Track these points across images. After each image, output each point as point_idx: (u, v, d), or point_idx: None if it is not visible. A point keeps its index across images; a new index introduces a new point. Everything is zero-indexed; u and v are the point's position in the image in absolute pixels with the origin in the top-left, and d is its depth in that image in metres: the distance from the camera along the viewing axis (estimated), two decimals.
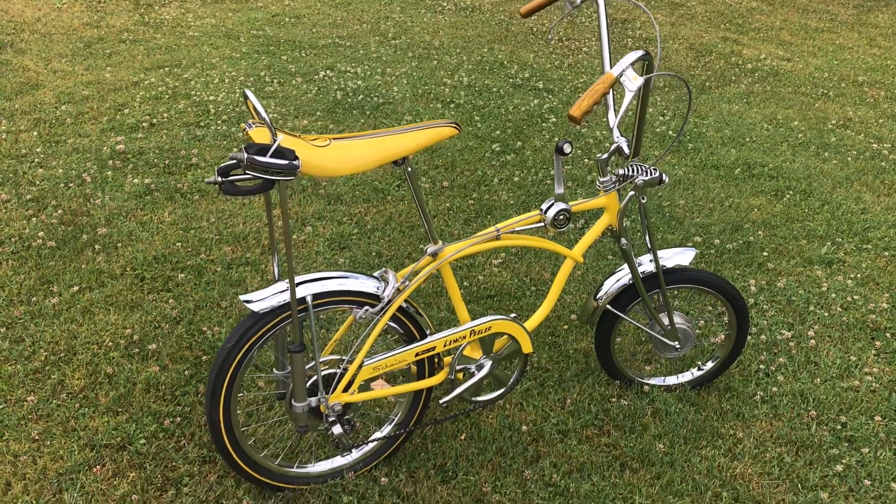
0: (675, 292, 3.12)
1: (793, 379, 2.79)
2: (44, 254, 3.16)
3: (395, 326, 2.15)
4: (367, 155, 1.87)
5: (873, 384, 2.78)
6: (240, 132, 4.34)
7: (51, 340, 2.71)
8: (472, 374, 2.30)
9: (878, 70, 6.43)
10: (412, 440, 2.40)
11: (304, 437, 2.36)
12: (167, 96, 4.76)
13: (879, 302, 3.24)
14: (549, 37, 6.24)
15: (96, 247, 3.22)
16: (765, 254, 3.54)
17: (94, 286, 3.00)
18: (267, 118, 1.70)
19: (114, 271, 3.09)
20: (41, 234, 3.27)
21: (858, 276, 3.42)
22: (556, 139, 4.58)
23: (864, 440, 2.54)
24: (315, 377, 2.05)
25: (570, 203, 2.20)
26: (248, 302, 1.94)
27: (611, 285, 2.45)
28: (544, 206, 2.19)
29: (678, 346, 2.57)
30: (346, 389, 2.09)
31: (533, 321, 2.36)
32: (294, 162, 1.70)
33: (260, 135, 1.76)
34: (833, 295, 3.27)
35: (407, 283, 2.08)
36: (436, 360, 2.24)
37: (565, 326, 2.97)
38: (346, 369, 2.08)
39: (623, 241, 2.33)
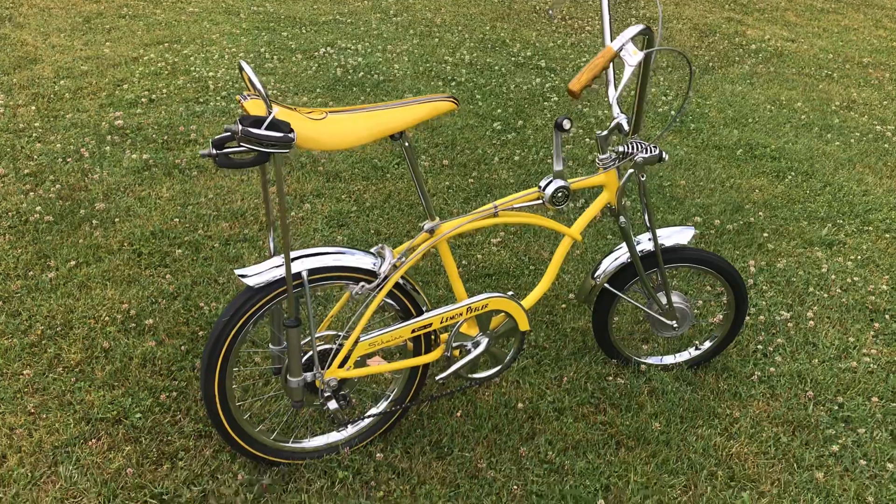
0: (674, 271, 3.12)
1: (791, 359, 2.78)
2: (41, 228, 3.15)
3: (392, 303, 2.14)
4: (364, 129, 1.85)
5: (871, 365, 2.77)
6: (238, 108, 4.31)
7: (47, 315, 2.71)
8: (469, 352, 2.30)
9: (884, 52, 6.37)
10: (408, 416, 2.40)
11: (300, 412, 2.36)
12: (166, 72, 4.73)
13: (879, 284, 3.23)
14: (550, 13, 6.18)
15: (94, 222, 3.21)
16: (765, 235, 3.53)
17: (92, 261, 2.99)
18: (262, 90, 1.68)
19: (111, 246, 3.08)
20: (39, 208, 3.26)
21: (859, 257, 3.41)
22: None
23: (861, 421, 2.53)
24: (311, 352, 2.05)
25: (569, 180, 2.18)
26: (243, 276, 1.93)
27: (609, 264, 2.44)
28: (543, 183, 2.17)
29: (676, 325, 2.57)
30: (341, 365, 2.08)
31: (530, 299, 2.35)
32: (289, 135, 1.68)
33: (255, 107, 1.74)
34: (833, 276, 3.26)
35: (403, 259, 2.07)
36: (432, 336, 2.24)
37: (563, 305, 2.96)
38: (341, 345, 2.08)
39: (622, 219, 2.32)
